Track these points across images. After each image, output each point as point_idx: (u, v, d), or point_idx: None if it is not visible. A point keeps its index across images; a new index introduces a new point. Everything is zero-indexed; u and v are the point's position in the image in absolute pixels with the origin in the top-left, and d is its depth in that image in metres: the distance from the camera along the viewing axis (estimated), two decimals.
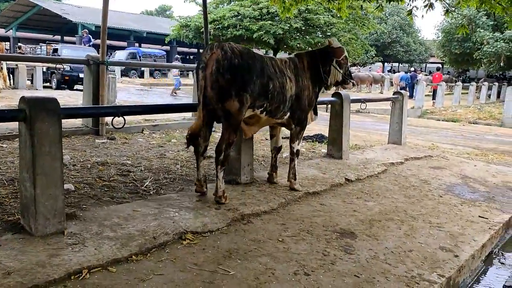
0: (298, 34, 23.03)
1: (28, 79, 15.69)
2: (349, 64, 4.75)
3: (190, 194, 4.11)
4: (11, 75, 15.16)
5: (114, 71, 17.58)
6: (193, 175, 4.80)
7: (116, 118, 3.47)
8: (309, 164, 5.71)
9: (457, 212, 4.47)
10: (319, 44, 23.76)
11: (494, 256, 3.97)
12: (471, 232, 3.95)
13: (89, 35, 24.43)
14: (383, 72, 43.00)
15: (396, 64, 57.61)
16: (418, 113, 17.12)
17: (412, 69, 35.68)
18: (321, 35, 23.80)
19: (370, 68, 45.67)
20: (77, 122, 6.61)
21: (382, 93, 31.18)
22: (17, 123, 2.95)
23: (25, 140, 2.86)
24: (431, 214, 4.31)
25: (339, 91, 6.15)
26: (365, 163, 6.10)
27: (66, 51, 19.18)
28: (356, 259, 3.16)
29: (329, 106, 6.33)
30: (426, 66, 58.32)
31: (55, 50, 19.95)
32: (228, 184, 4.42)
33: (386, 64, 55.60)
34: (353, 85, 4.79)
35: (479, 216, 4.41)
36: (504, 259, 3.94)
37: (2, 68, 13.14)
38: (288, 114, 4.31)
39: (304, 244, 3.33)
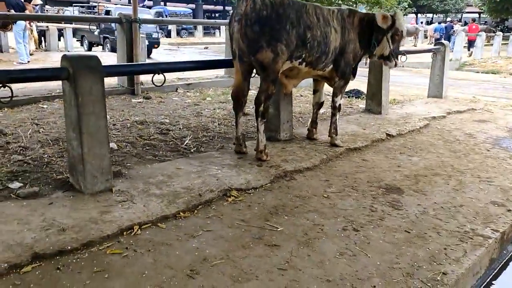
0: None
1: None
2: (402, 43, 4.51)
3: (230, 152, 4.08)
4: (42, 38, 15.25)
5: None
6: (232, 132, 4.76)
7: (156, 76, 3.41)
8: (348, 120, 5.57)
9: (506, 166, 4.29)
10: None
11: None
12: None
13: None
14: (416, 24, 41.23)
15: (430, 15, 54.91)
16: (456, 66, 16.39)
17: (449, 19, 34.01)
18: None
19: (407, 21, 43.76)
20: (113, 82, 6.63)
21: (415, 46, 30.02)
22: (56, 83, 2.94)
23: (69, 99, 2.85)
24: (479, 169, 4.15)
25: None
26: (405, 117, 5.90)
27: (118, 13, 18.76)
28: (405, 215, 3.08)
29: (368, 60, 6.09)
30: (462, 16, 55.48)
31: (108, 12, 17.96)
32: (268, 141, 4.35)
33: (419, 15, 53.10)
34: (396, 65, 4.54)
35: None
36: None
37: (32, 30, 13.17)
38: (331, 66, 4.18)
39: (350, 200, 3.27)
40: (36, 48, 14.11)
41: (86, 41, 17.53)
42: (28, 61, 10.73)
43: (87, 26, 15.89)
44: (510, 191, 3.65)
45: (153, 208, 2.84)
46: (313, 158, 4.06)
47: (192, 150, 4.06)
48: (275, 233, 2.70)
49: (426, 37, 32.19)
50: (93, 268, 2.23)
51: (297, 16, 3.72)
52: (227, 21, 8.40)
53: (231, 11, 3.75)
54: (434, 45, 7.55)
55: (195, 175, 3.42)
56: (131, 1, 6.21)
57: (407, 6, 47.01)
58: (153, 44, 16.25)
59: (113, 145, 3.89)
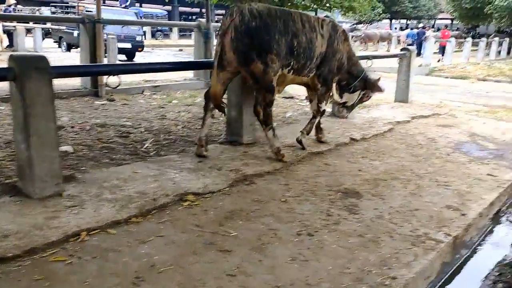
0: None
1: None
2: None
3: (191, 155, 4.03)
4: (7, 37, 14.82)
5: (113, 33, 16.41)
6: (195, 135, 4.71)
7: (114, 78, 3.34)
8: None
9: (464, 171, 4.37)
10: (324, 1, 22.91)
11: (502, 215, 3.90)
12: (479, 190, 3.86)
13: None
14: (390, 29, 42.00)
15: (404, 21, 55.97)
16: (426, 71, 16.71)
17: (420, 25, 34.74)
18: None
19: (377, 25, 44.55)
20: (76, 83, 6.49)
21: (389, 51, 30.54)
22: None
23: (16, 100, 2.76)
24: (438, 173, 4.22)
25: None
26: (371, 122, 5.96)
27: (105, 16, 17.13)
28: (361, 219, 3.09)
29: None
30: (435, 22, 56.79)
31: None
32: (230, 145, 4.34)
33: (394, 21, 54.10)
34: (346, 117, 5.47)
35: (488, 174, 4.30)
36: None
37: None
38: (314, 71, 4.22)
39: (308, 205, 3.27)
40: (4, 48, 13.72)
41: (64, 43, 16.65)
42: None
43: (65, 27, 15.39)
44: (466, 195, 3.71)
45: (104, 213, 2.77)
46: (274, 162, 4.04)
47: (151, 154, 4.00)
48: (228, 238, 2.66)
49: (399, 42, 32.82)
50: (34, 276, 2.15)
51: (284, 24, 3.74)
52: (195, 23, 8.40)
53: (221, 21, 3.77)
54: (400, 50, 7.67)
55: (152, 179, 3.35)
56: (96, 1, 6.07)
57: (381, 12, 47.99)
58: (137, 47, 15.80)
59: (68, 148, 3.80)
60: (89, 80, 6.13)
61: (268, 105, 3.79)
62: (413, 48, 7.73)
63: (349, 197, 3.48)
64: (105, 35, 13.04)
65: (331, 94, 4.59)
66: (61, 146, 3.64)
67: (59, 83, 6.53)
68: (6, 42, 14.68)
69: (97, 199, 2.94)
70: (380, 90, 4.79)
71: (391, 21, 52.92)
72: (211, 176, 3.56)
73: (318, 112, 4.49)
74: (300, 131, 4.54)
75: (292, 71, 3.92)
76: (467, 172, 4.33)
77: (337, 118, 5.99)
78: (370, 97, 4.71)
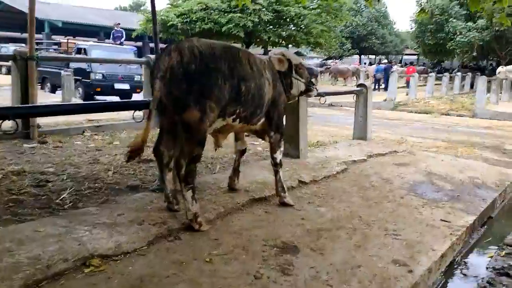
0: (269, 26, 22.46)
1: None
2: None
3: (113, 207, 3.57)
4: None
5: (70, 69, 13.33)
6: (125, 182, 4.28)
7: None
8: (261, 165, 5.23)
9: (417, 216, 4.06)
10: (292, 37, 23.28)
11: (456, 266, 3.57)
12: (430, 239, 3.53)
13: (122, 29, 19.27)
14: (360, 64, 42.96)
15: (373, 56, 57.59)
16: (391, 106, 16.82)
17: (385, 60, 35.64)
18: (293, 27, 23.33)
19: (342, 62, 45.42)
20: (7, 124, 5.96)
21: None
22: None
23: None
24: (388, 220, 3.88)
25: None
26: (324, 162, 5.65)
27: (96, 53, 14.47)
28: (293, 282, 2.69)
29: None
30: (402, 58, 58.66)
31: (80, 51, 14.99)
32: (161, 192, 3.90)
33: (363, 56, 55.59)
34: (317, 90, 4.51)
35: (441, 220, 3.99)
36: (467, 269, 3.54)
37: None
38: (264, 119, 3.83)
39: (236, 265, 2.85)
40: None
41: (48, 84, 15.03)
42: None
43: (49, 67, 13.94)
44: (415, 246, 3.37)
45: None
46: (208, 212, 3.63)
47: (66, 207, 3.52)
48: None
49: (368, 77, 33.49)
50: None
51: (230, 67, 3.29)
52: (145, 59, 8.09)
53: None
54: (356, 86, 7.49)
55: (54, 240, 2.88)
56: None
57: (350, 48, 49.25)
58: (135, 88, 14.34)
59: None
60: (20, 121, 5.64)
61: (194, 160, 3.28)
62: (370, 84, 7.57)
63: (284, 253, 3.08)
64: (63, 71, 12.30)
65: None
66: None
67: None
68: None
69: None
70: None
71: (360, 56, 54.34)
72: (128, 232, 3.11)
73: (277, 165, 4.04)
74: (276, 195, 4.09)
75: (238, 119, 3.51)
76: (419, 217, 4.02)
77: (289, 157, 5.64)
78: (300, 63, 4.18)
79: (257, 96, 3.55)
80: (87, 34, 35.16)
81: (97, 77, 14.10)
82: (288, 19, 22.52)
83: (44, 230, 3.01)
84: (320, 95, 6.32)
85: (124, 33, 19.54)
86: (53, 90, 14.56)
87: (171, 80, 3.06)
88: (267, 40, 22.64)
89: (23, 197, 3.61)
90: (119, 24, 20.00)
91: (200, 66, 3.10)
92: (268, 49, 23.43)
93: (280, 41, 23.78)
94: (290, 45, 25.46)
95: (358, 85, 7.43)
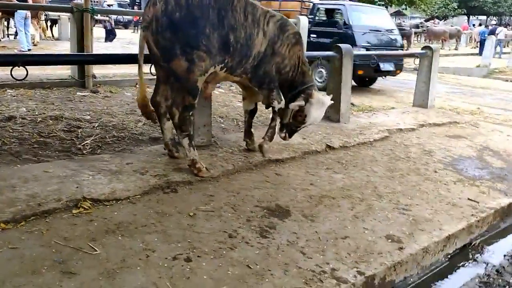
0: None
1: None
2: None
3: (125, 156, 3.75)
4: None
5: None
6: (152, 134, 4.45)
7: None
8: None
9: (442, 192, 3.71)
10: None
11: (471, 250, 3.23)
12: (443, 218, 3.23)
13: None
14: (468, 26, 39.11)
15: (483, 17, 51.94)
16: (483, 72, 15.26)
17: (493, 22, 32.05)
18: None
19: (457, 23, 41.51)
20: (66, 73, 6.45)
21: (456, 49, 28.49)
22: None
23: None
24: (405, 193, 3.61)
25: (339, 44, 5.37)
26: (364, 128, 5.35)
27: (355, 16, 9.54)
28: (266, 245, 2.65)
29: None
30: None
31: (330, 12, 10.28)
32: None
33: (472, 17, 50.41)
34: (284, 138, 4.02)
35: (468, 199, 3.62)
36: (482, 254, 3.18)
37: (39, 19, 13.20)
38: (249, 74, 3.66)
39: (216, 222, 2.87)
40: (46, 37, 14.29)
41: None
42: (29, 49, 10.83)
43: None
44: (421, 224, 3.11)
45: None
46: (215, 169, 3.66)
47: (85, 152, 3.77)
48: (85, 257, 2.34)
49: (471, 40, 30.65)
50: None
51: (219, 15, 3.25)
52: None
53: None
54: (421, 49, 6.86)
55: (57, 180, 3.11)
56: None
57: (456, 7, 44.82)
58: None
59: None
60: (77, 70, 6.06)
61: (186, 109, 3.33)
62: (436, 46, 6.88)
63: (272, 216, 3.02)
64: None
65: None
66: None
67: (47, 73, 6.57)
68: (49, 31, 15.28)
69: None
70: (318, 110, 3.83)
71: (468, 17, 49.39)
72: (127, 180, 3.25)
73: (275, 113, 3.94)
74: (262, 137, 4.08)
75: (225, 69, 3.46)
76: (444, 194, 3.68)
77: (328, 121, 5.42)
78: (305, 117, 3.78)
79: (245, 45, 3.44)
80: None
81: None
82: None
83: (52, 171, 3.27)
84: (370, 55, 5.94)
85: None
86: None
87: (157, 30, 3.09)
88: None
89: (49, 140, 3.92)
90: None
91: (185, 15, 3.08)
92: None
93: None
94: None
95: (424, 47, 6.78)
